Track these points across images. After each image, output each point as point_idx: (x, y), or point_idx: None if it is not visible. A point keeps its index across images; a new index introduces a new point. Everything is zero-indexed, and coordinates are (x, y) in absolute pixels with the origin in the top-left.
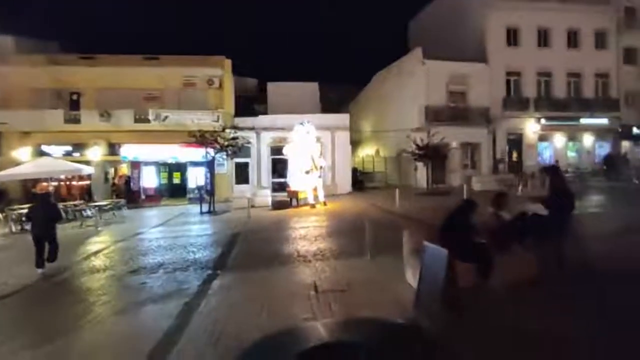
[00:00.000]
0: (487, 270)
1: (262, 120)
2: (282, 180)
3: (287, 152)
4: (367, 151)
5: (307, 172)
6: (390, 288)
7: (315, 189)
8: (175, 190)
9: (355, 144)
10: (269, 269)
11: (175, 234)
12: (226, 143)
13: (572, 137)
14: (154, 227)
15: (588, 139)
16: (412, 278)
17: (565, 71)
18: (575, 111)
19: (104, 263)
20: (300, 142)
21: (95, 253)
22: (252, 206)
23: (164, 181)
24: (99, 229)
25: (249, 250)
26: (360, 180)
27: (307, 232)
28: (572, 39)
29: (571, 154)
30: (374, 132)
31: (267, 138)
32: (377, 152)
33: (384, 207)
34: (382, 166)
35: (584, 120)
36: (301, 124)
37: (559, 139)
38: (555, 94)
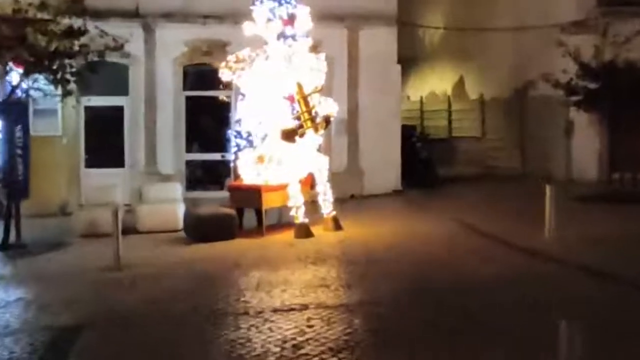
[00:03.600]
0: None
1: None
2: (214, 157)
3: (234, 81)
4: (433, 85)
5: (290, 136)
6: None
7: (309, 183)
8: None
9: (406, 64)
10: None
11: None
12: (56, 47)
13: None
14: None
15: None
16: None
17: None
18: None
19: None
20: (267, 55)
21: None
22: (135, 231)
23: None
24: None
25: None
26: (424, 159)
27: None
28: None
29: None
30: (457, 33)
31: (175, 42)
32: (460, 85)
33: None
34: (473, 121)
35: None
36: None
37: None
38: None
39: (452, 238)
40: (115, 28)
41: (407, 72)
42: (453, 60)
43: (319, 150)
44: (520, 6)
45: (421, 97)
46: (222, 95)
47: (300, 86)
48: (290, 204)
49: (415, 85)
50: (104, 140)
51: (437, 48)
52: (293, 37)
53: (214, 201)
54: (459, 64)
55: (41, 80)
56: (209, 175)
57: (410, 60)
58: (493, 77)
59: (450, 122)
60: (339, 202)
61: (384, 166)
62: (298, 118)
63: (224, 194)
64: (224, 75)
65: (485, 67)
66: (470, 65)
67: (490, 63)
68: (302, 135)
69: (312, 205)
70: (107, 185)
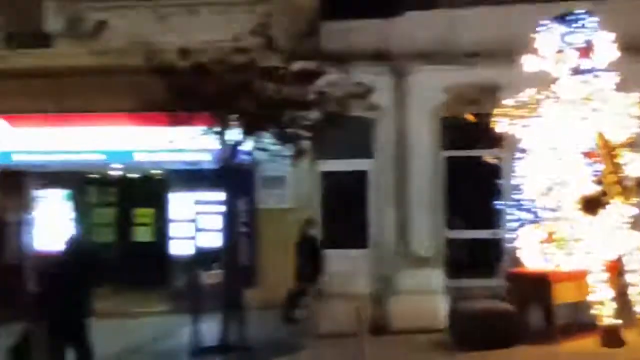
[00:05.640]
0: None
1: (413, 30)
2: (483, 235)
3: (511, 133)
4: None
5: (592, 207)
6: None
7: (616, 270)
8: (139, 263)
9: None
10: None
11: None
12: (286, 95)
13: None
14: None
15: None
16: None
17: None
18: None
19: None
20: (557, 97)
21: None
22: (384, 330)
23: (105, 237)
24: None
25: None
26: None
27: None
28: None
29: None
30: None
31: (432, 89)
32: None
33: None
34: None
35: None
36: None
37: None
38: None
39: None
40: (356, 74)
41: None
42: None
43: (629, 225)
44: None
45: None
46: (490, 154)
47: (603, 138)
48: (591, 298)
49: None
50: (343, 214)
51: None
52: (592, 71)
53: (482, 292)
54: None
55: (266, 139)
56: (475, 258)
57: None
58: None
59: None
60: None
61: None
62: (600, 182)
63: (495, 282)
64: (499, 125)
65: None
66: None
67: None
68: (605, 205)
69: (619, 300)
70: (348, 270)
